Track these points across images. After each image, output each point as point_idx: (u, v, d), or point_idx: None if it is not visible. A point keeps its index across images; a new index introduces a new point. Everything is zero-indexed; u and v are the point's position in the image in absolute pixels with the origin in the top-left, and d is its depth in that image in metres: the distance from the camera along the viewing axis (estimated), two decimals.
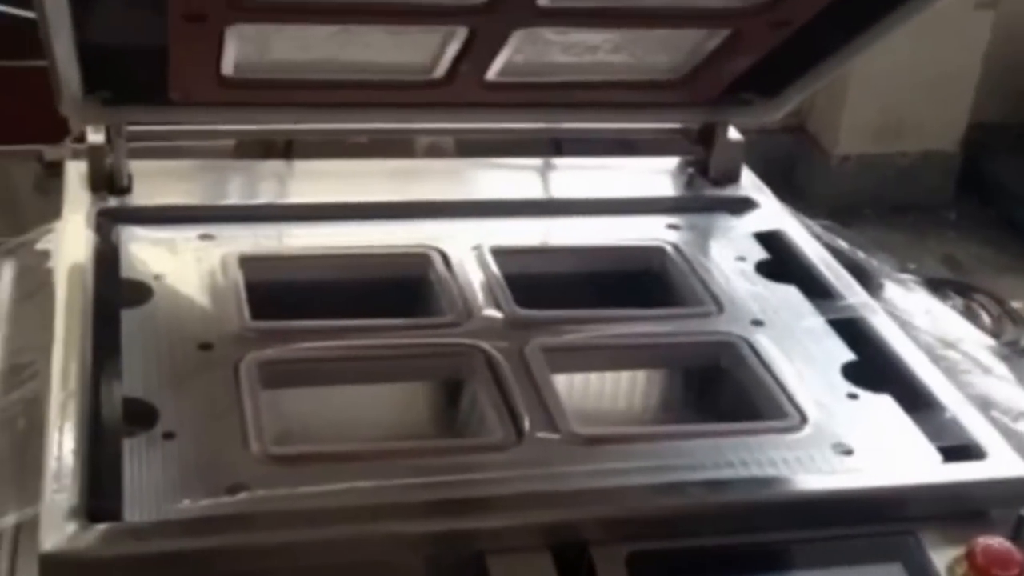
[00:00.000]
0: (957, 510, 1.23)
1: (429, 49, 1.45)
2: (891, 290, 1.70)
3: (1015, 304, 3.58)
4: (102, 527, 1.08)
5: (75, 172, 1.58)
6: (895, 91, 3.81)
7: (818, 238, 1.68)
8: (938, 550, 1.19)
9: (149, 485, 1.14)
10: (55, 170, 1.77)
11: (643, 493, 1.19)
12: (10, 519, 1.11)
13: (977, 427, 1.30)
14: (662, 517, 1.18)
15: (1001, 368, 1.56)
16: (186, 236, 1.50)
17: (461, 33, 1.40)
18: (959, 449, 1.28)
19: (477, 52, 1.44)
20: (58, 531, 1.06)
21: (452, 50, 1.44)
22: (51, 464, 1.12)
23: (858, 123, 3.98)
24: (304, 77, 1.49)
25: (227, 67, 1.43)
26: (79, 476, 1.11)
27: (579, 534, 1.16)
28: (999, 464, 1.27)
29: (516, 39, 1.42)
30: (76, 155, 1.59)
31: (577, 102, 1.60)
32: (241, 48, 1.40)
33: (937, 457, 1.28)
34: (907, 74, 3.67)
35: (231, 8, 1.29)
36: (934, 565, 1.18)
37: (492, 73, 1.50)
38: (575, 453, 1.23)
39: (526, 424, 1.24)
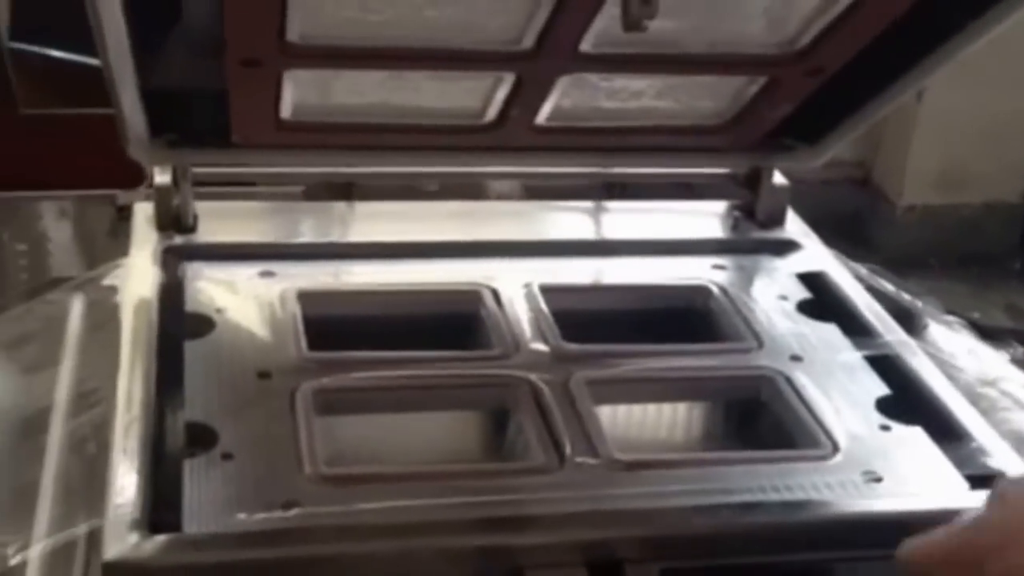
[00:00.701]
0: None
1: (480, 94, 1.54)
2: (935, 330, 1.76)
3: None
4: (162, 538, 1.16)
5: (142, 213, 1.68)
6: (959, 142, 3.88)
7: (862, 280, 1.75)
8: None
9: (207, 501, 1.22)
10: (129, 214, 1.89)
11: (677, 514, 1.26)
12: (81, 530, 1.20)
13: (1004, 457, 1.36)
14: (694, 536, 1.25)
15: None
16: (247, 273, 1.59)
17: (509, 79, 1.50)
18: (985, 478, 1.34)
19: (525, 97, 1.53)
20: (121, 541, 1.15)
21: (501, 95, 1.53)
22: (115, 481, 1.22)
23: (922, 174, 4.04)
24: (359, 121, 1.58)
25: (285, 111, 1.53)
26: (141, 492, 1.20)
27: (614, 552, 1.22)
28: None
29: (562, 84, 1.51)
30: (147, 198, 1.71)
31: (625, 146, 1.68)
32: (298, 92, 1.50)
33: (964, 485, 1.34)
34: (970, 124, 3.74)
35: (285, 54, 1.38)
36: None
37: (542, 117, 1.58)
38: (614, 477, 1.31)
39: (567, 450, 1.32)
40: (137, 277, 1.56)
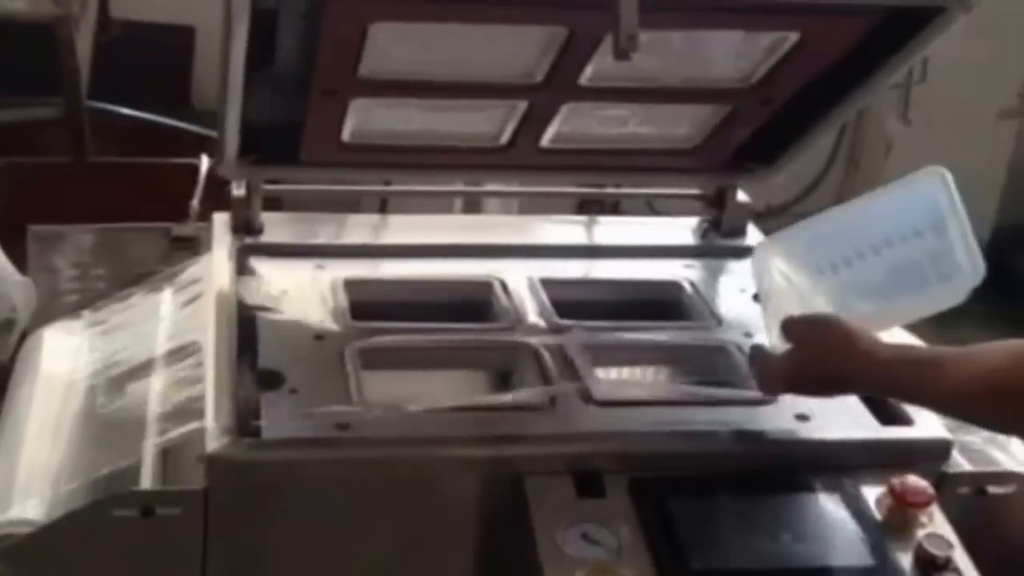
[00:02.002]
0: (890, 462, 1.61)
1: (495, 121, 1.91)
2: None
3: None
4: (248, 440, 1.52)
5: (220, 220, 2.05)
6: None
7: None
8: (870, 487, 1.59)
9: (280, 420, 1.57)
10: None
11: (642, 436, 1.61)
12: (188, 431, 1.55)
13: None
14: (657, 454, 1.60)
15: None
16: (303, 266, 1.94)
17: (521, 106, 1.87)
18: (894, 418, 1.69)
19: (533, 123, 1.89)
20: (218, 440, 1.51)
21: (513, 121, 1.90)
22: (212, 403, 1.58)
23: None
24: (398, 143, 1.95)
25: (346, 134, 1.90)
26: (233, 410, 1.56)
27: (593, 464, 1.57)
28: (923, 428, 1.67)
29: (564, 112, 1.87)
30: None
31: (613, 167, 2.05)
32: (356, 119, 1.87)
33: (875, 422, 1.68)
34: None
35: (356, 86, 1.75)
36: (864, 496, 1.57)
37: (545, 140, 1.95)
38: (595, 412, 1.66)
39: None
40: (219, 267, 1.92)
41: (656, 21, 1.50)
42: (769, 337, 1.67)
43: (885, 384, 1.54)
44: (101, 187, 3.19)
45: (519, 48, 1.75)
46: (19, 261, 2.41)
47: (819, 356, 1.54)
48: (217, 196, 2.18)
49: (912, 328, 1.78)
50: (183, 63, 3.61)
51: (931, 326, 2.16)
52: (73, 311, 2.03)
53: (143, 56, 3.41)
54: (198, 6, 3.53)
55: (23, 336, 2.22)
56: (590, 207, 2.25)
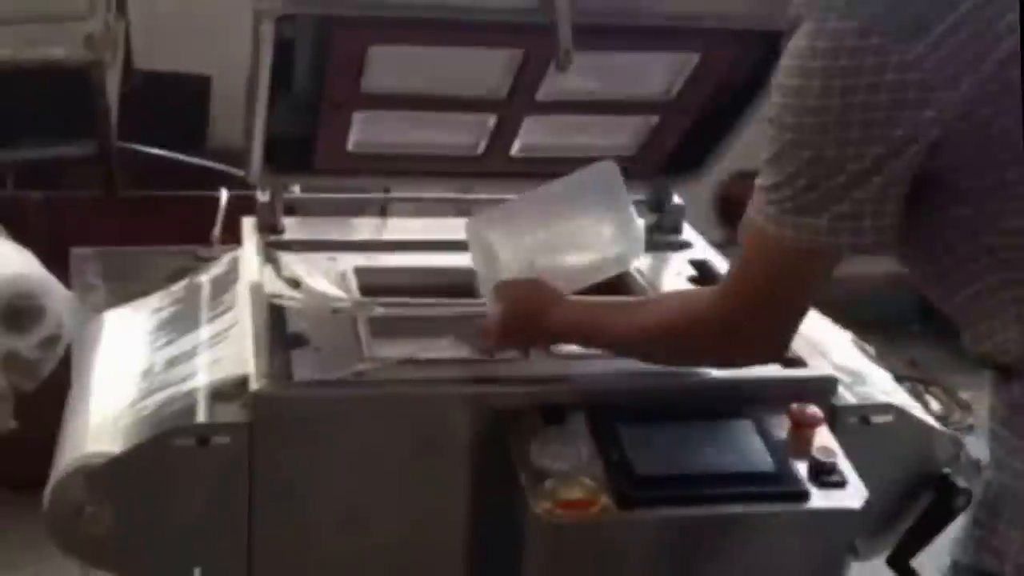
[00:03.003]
0: (791, 396, 1.90)
1: (473, 132, 2.26)
2: None
3: (963, 394, 4.35)
4: (283, 382, 1.86)
5: (247, 222, 2.38)
6: None
7: None
8: (775, 415, 1.89)
9: (308, 369, 1.90)
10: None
11: (595, 378, 1.94)
12: (239, 372, 1.88)
13: (804, 349, 2.04)
14: (607, 391, 1.92)
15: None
16: (319, 257, 2.25)
17: (491, 120, 2.22)
18: (791, 361, 2.01)
19: (503, 134, 2.24)
20: (261, 382, 1.84)
21: (486, 133, 2.25)
22: (254, 355, 1.91)
23: None
24: (392, 153, 2.29)
25: (350, 144, 2.25)
26: (269, 359, 1.90)
27: (556, 400, 1.88)
28: (814, 368, 2.00)
29: (527, 124, 2.23)
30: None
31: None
32: (358, 130, 2.21)
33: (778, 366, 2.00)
34: None
35: (359, 99, 2.11)
36: (770, 421, 1.87)
37: (514, 150, 2.30)
38: (560, 362, 2.00)
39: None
40: (248, 259, 2.25)
41: (584, 43, 1.86)
42: (488, 303, 1.99)
43: (575, 332, 1.89)
44: (130, 218, 3.50)
45: (487, 68, 2.10)
46: None
47: (521, 312, 1.89)
48: (236, 224, 2.53)
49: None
50: (201, 108, 3.93)
51: (875, 343, 2.46)
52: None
53: (163, 102, 3.73)
54: (214, 58, 3.85)
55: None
56: None
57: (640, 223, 2.10)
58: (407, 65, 2.08)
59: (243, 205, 2.63)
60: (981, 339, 1.49)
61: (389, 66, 2.07)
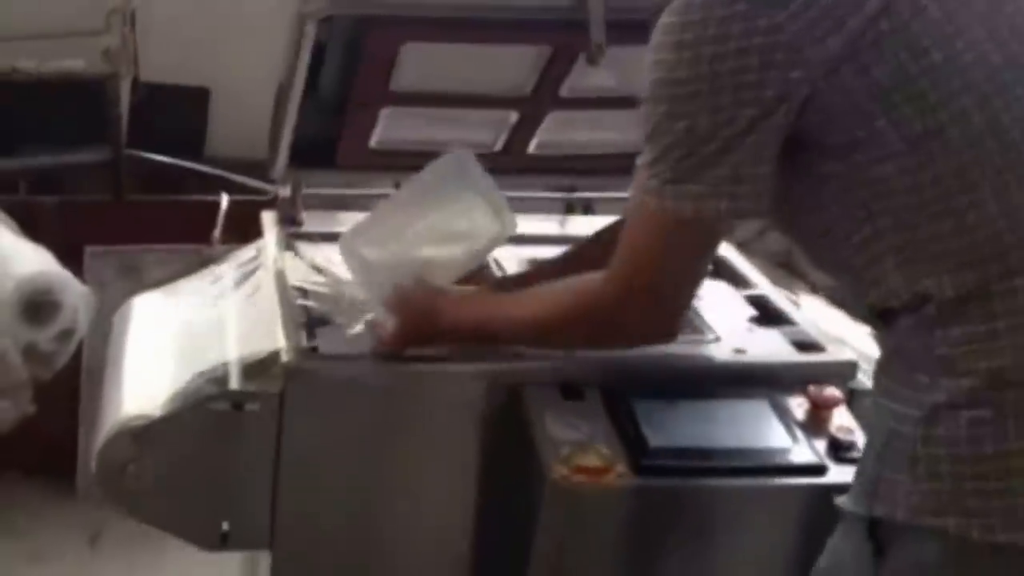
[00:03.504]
0: (809, 380, 2.01)
1: (491, 129, 2.38)
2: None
3: None
4: (310, 353, 1.97)
5: (268, 216, 2.50)
6: None
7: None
8: (793, 397, 2.01)
9: (332, 344, 2.01)
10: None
11: (612, 358, 2.04)
12: (270, 348, 1.99)
13: (822, 337, 2.15)
14: (623, 370, 2.02)
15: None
16: (334, 248, 2.38)
17: (513, 116, 2.34)
18: (810, 347, 2.14)
19: (522, 131, 2.36)
20: (291, 355, 1.95)
21: (506, 129, 2.38)
22: (283, 331, 2.02)
23: None
24: (412, 149, 2.39)
25: (373, 141, 2.37)
26: (297, 335, 2.01)
27: (574, 377, 1.99)
28: (833, 354, 2.11)
29: (547, 121, 2.35)
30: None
31: (587, 168, 2.51)
32: (382, 127, 2.34)
33: (793, 351, 2.12)
34: None
35: (386, 97, 2.23)
36: (787, 402, 1.99)
37: (532, 147, 2.43)
38: None
39: None
40: (269, 248, 2.36)
41: (615, 38, 1.98)
42: (377, 313, 2.04)
43: (472, 332, 1.95)
44: (136, 221, 3.68)
45: (513, 64, 2.22)
46: None
47: (415, 320, 1.95)
48: (234, 226, 2.65)
49: None
50: (199, 119, 4.07)
51: None
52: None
53: (163, 113, 3.86)
54: (212, 72, 4.01)
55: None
56: (575, 209, 2.68)
57: (504, 201, 2.14)
58: (436, 63, 2.20)
59: (241, 208, 2.83)
60: (866, 291, 1.58)
61: (418, 64, 2.19)
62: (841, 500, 1.60)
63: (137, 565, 3.35)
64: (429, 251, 2.09)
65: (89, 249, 3.50)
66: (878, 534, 1.52)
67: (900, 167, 1.47)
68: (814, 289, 2.64)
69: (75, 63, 3.47)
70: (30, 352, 2.93)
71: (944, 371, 1.47)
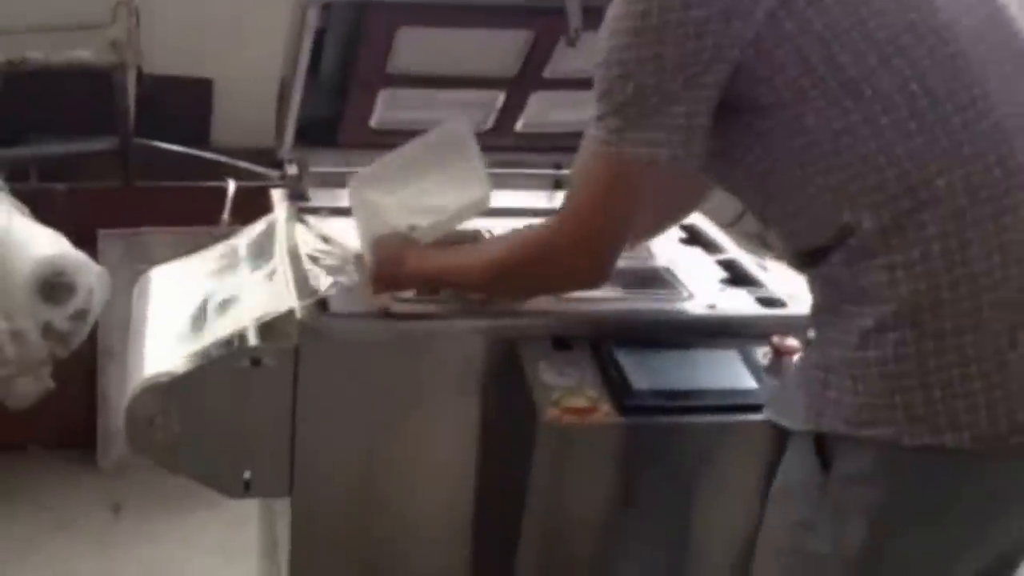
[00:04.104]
0: (774, 332, 2.29)
1: (481, 108, 2.64)
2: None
3: None
4: (322, 313, 2.22)
5: (277, 193, 2.75)
6: None
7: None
8: (758, 347, 2.28)
9: (342, 304, 2.26)
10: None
11: (597, 312, 2.31)
12: (278, 310, 2.24)
13: (784, 295, 2.41)
14: (608, 322, 2.29)
15: None
16: (340, 222, 2.60)
17: (500, 96, 2.60)
18: (773, 303, 2.41)
19: (510, 110, 2.63)
20: (305, 313, 2.20)
21: (495, 108, 2.64)
22: (296, 293, 2.26)
23: None
24: (411, 128, 2.63)
25: (373, 121, 2.63)
26: (312, 296, 2.26)
27: (564, 331, 2.25)
28: (793, 309, 2.36)
29: (532, 100, 2.61)
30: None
31: (569, 146, 2.74)
32: (381, 107, 2.60)
33: (757, 306, 2.38)
34: None
35: (384, 79, 2.49)
36: (753, 350, 2.25)
37: (519, 126, 2.69)
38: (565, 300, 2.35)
39: None
40: (281, 220, 2.61)
41: (591, 23, 2.23)
42: (366, 255, 2.27)
43: (435, 277, 2.23)
44: (144, 207, 3.94)
45: (499, 48, 2.48)
46: None
47: (386, 264, 2.22)
48: (239, 212, 2.91)
49: None
50: (204, 109, 4.33)
51: None
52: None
53: (168, 104, 4.11)
54: (215, 64, 4.28)
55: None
56: (562, 184, 2.91)
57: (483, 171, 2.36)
58: (429, 47, 2.46)
59: (247, 194, 3.11)
60: (799, 233, 1.83)
61: (413, 48, 2.44)
62: (791, 423, 1.86)
63: (159, 532, 3.60)
64: (421, 204, 2.35)
65: (102, 232, 3.75)
66: (824, 449, 1.78)
67: (823, 119, 1.73)
68: (780, 256, 2.89)
69: (83, 53, 3.72)
70: (47, 331, 3.22)
71: (869, 299, 1.73)
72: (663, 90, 1.77)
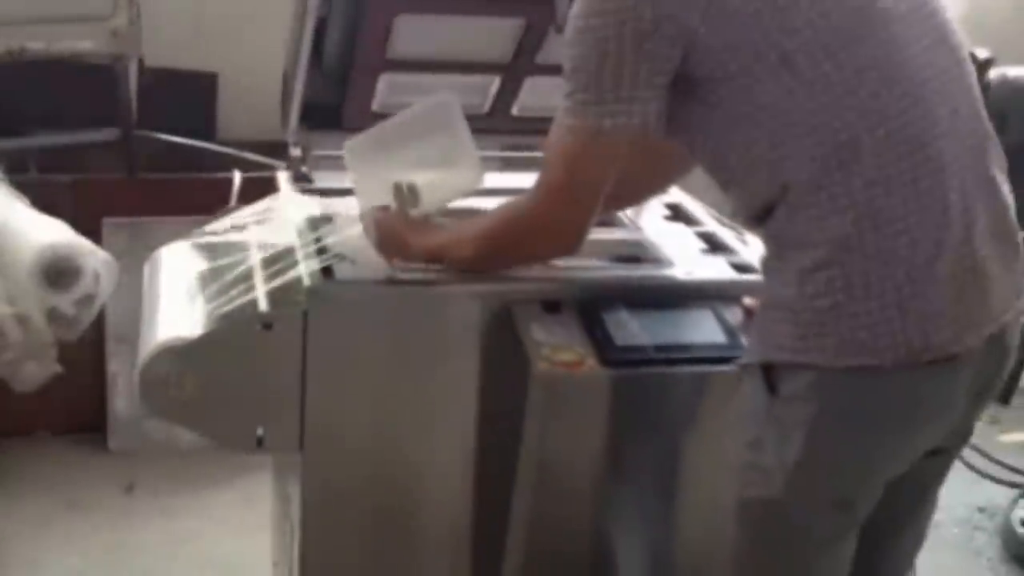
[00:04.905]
0: (743, 295, 2.57)
1: (479, 92, 2.93)
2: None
3: None
4: (329, 280, 2.50)
5: (282, 174, 3.03)
6: None
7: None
8: (730, 308, 2.56)
9: (349, 272, 2.54)
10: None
11: (584, 278, 2.59)
12: (287, 278, 2.51)
13: (755, 262, 2.67)
14: (593, 287, 2.56)
15: None
16: (344, 200, 2.88)
17: (496, 81, 2.89)
18: (745, 269, 2.69)
19: (505, 94, 2.91)
20: (313, 280, 2.48)
21: (492, 94, 2.93)
22: (304, 262, 2.53)
23: None
24: None
25: (375, 105, 2.92)
26: (317, 264, 2.54)
27: (553, 296, 2.52)
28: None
29: (527, 85, 2.90)
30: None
31: None
32: (382, 92, 2.88)
33: (733, 272, 2.65)
34: None
35: (384, 63, 2.77)
36: (725, 310, 2.52)
37: (515, 110, 2.97)
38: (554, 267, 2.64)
39: None
40: (286, 199, 2.90)
41: None
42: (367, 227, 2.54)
43: (434, 254, 2.48)
44: (147, 198, 4.20)
45: (494, 35, 2.75)
46: None
47: (388, 241, 2.52)
48: (243, 203, 3.17)
49: None
50: (209, 102, 4.61)
51: None
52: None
53: (174, 97, 4.39)
54: (219, 58, 4.57)
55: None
56: None
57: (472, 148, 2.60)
58: (427, 33, 2.73)
59: (251, 185, 3.38)
60: (751, 195, 2.11)
61: (411, 34, 2.71)
62: (745, 359, 2.19)
63: (172, 510, 3.86)
64: (415, 174, 2.61)
65: (107, 220, 4.02)
66: (770, 377, 2.11)
67: (765, 88, 2.02)
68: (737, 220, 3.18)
69: (83, 43, 3.96)
70: (53, 316, 3.41)
71: (804, 245, 2.04)
72: (624, 65, 2.06)
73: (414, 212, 2.58)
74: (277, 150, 4.15)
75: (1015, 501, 4.07)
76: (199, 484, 3.87)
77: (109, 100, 4.11)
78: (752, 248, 2.80)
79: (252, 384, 2.47)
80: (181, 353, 2.43)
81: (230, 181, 3.86)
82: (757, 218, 2.14)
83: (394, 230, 2.54)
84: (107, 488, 3.90)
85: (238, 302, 2.50)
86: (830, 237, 2.00)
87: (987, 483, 3.95)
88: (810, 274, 2.02)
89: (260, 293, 2.50)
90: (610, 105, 2.08)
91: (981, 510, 4.07)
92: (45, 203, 3.60)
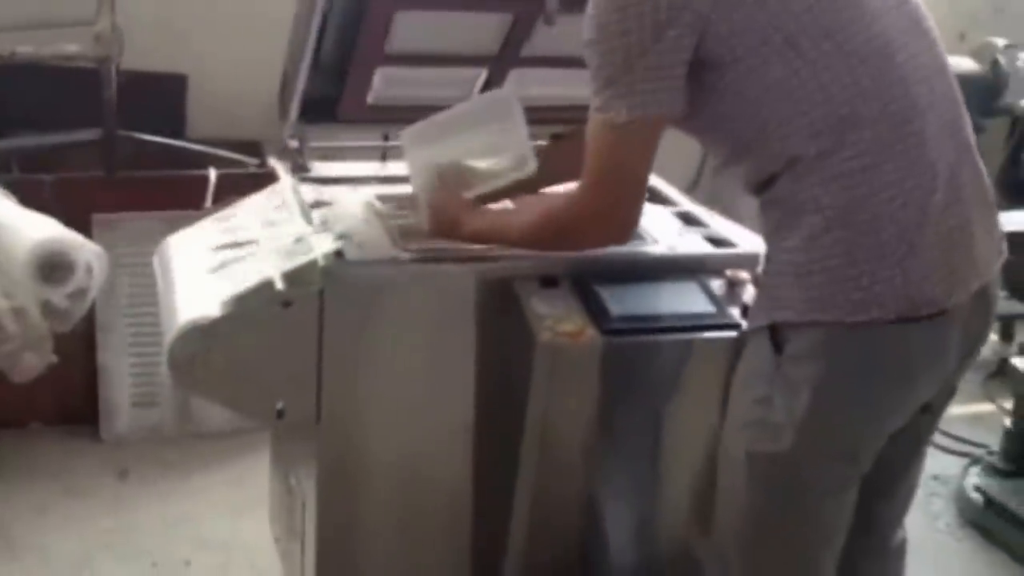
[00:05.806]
0: (727, 267, 2.86)
1: (467, 85, 3.18)
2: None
3: None
4: (341, 260, 2.75)
5: (280, 164, 3.28)
6: None
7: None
8: (714, 280, 2.84)
9: (354, 256, 2.78)
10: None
11: (579, 257, 2.84)
12: (301, 261, 2.75)
13: (734, 236, 2.98)
14: (588, 263, 2.79)
15: None
16: (341, 188, 3.12)
17: (483, 73, 3.16)
18: (725, 243, 2.97)
19: (490, 85, 3.17)
20: (326, 261, 2.71)
21: (478, 85, 3.19)
22: (315, 244, 2.78)
23: None
24: (402, 104, 3.17)
25: (371, 98, 3.16)
26: (328, 245, 2.80)
27: (551, 272, 2.78)
28: (742, 247, 2.92)
29: (511, 76, 3.17)
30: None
31: (544, 119, 3.30)
32: (377, 85, 3.14)
33: (711, 247, 2.93)
34: None
35: (381, 57, 3.02)
36: (710, 282, 2.80)
37: None
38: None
39: None
40: (288, 186, 3.13)
41: (565, 7, 2.79)
42: (419, 196, 2.81)
43: (485, 237, 2.70)
44: (128, 195, 4.39)
45: (482, 29, 2.99)
46: None
47: (442, 221, 2.77)
48: (219, 198, 3.40)
49: None
50: (178, 103, 4.85)
51: None
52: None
53: (145, 99, 4.59)
54: (188, 61, 4.82)
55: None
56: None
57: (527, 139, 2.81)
58: (423, 28, 2.96)
59: (226, 180, 3.63)
60: (757, 168, 2.32)
61: (409, 30, 2.94)
62: (750, 324, 2.44)
63: (166, 493, 4.05)
64: (468, 160, 2.85)
65: (97, 216, 4.24)
66: (777, 337, 2.33)
67: (773, 69, 2.25)
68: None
69: (70, 47, 4.21)
70: (47, 309, 3.58)
71: (808, 211, 2.27)
72: (647, 56, 2.26)
73: (467, 194, 2.81)
74: (246, 147, 4.42)
75: (966, 469, 4.37)
76: (190, 468, 4.07)
77: (85, 102, 4.30)
78: (721, 224, 3.09)
79: (272, 360, 2.70)
80: (207, 331, 2.65)
81: (206, 178, 4.12)
82: (761, 187, 2.37)
83: (447, 210, 2.78)
84: (101, 475, 4.08)
85: (256, 282, 2.72)
86: (832, 203, 2.21)
87: (939, 453, 4.24)
88: (816, 239, 2.23)
89: (276, 274, 2.72)
90: (639, 96, 2.24)
91: (935, 478, 4.34)
92: (29, 202, 3.77)
